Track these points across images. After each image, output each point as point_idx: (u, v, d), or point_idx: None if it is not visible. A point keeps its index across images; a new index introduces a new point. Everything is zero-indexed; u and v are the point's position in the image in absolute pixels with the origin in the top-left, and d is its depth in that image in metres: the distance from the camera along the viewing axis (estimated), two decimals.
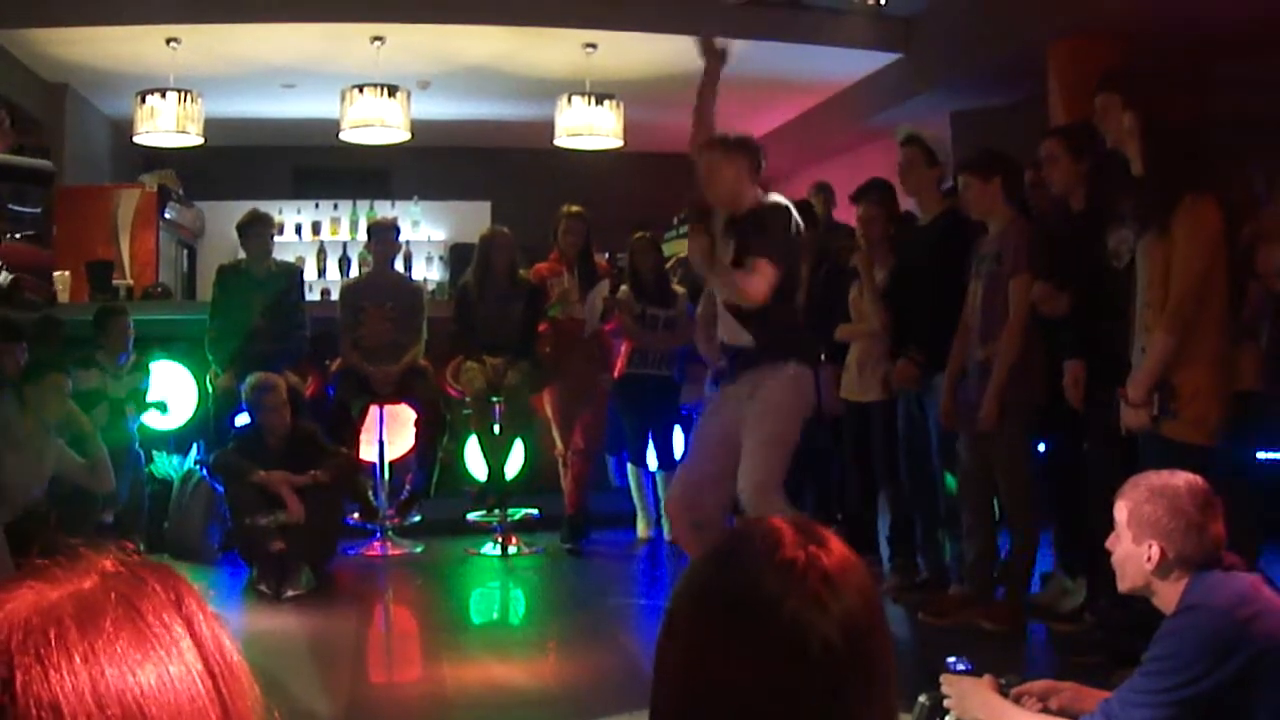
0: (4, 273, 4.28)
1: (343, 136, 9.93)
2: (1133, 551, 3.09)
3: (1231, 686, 2.89)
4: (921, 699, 3.07)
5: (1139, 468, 3.33)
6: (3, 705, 0.78)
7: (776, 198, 5.32)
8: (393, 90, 9.72)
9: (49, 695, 0.78)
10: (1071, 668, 4.50)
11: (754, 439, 5.15)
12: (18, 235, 4.71)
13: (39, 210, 5.30)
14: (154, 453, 7.84)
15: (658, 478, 8.26)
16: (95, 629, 0.82)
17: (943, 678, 3.13)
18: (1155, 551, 3.04)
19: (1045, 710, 3.14)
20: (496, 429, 7.95)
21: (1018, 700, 3.14)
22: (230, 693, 0.86)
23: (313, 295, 11.22)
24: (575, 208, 8.30)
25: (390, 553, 7.86)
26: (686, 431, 8.49)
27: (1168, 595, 3.07)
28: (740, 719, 1.23)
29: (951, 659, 3.18)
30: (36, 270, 4.74)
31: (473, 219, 11.76)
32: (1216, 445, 4.54)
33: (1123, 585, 3.21)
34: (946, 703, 3.08)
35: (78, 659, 0.80)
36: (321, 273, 12.51)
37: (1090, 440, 5.52)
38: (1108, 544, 3.20)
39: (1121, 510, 3.14)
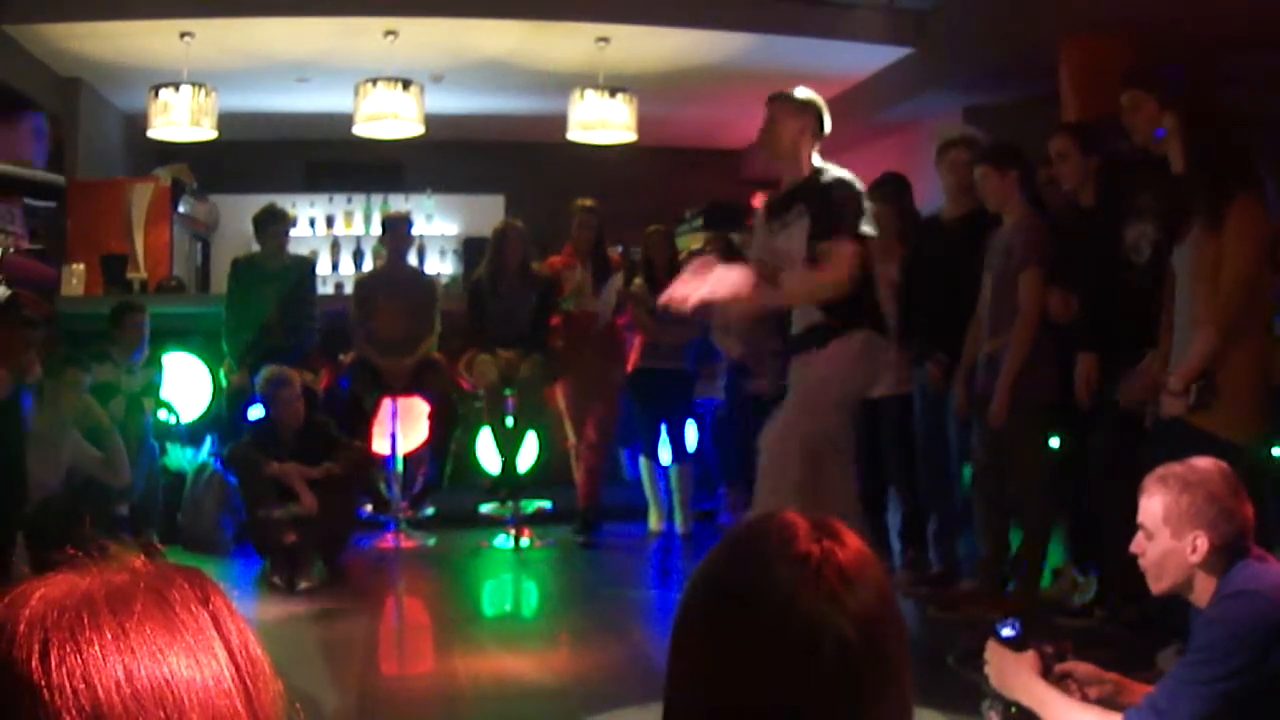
0: (2, 287, 4.27)
1: (356, 130, 9.95)
2: (1174, 548, 3.02)
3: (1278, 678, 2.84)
4: (962, 646, 3.07)
5: (1155, 460, 3.29)
6: (38, 678, 0.81)
7: (841, 172, 5.24)
8: (406, 84, 9.73)
9: (82, 669, 0.81)
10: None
11: (785, 413, 5.21)
12: (25, 248, 4.72)
13: (53, 204, 5.32)
14: (168, 445, 7.87)
15: (671, 471, 8.27)
16: (126, 613, 0.85)
17: (988, 644, 3.11)
18: (1202, 542, 2.98)
19: (1084, 699, 3.06)
20: (509, 422, 7.97)
21: (1061, 679, 3.07)
22: (254, 685, 0.88)
23: (326, 289, 11.27)
24: (588, 201, 8.32)
25: (403, 545, 7.88)
26: (699, 425, 8.51)
27: (1206, 588, 3.02)
28: (755, 714, 1.24)
29: (1000, 624, 3.16)
30: (39, 286, 4.73)
31: (486, 212, 11.76)
32: (1245, 442, 4.54)
33: (1160, 586, 3.12)
34: (986, 669, 3.07)
35: (109, 636, 0.83)
36: (335, 266, 12.53)
37: (1098, 435, 5.52)
38: (1134, 548, 3.13)
39: (1153, 509, 3.06)
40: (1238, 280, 4.56)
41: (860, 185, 5.25)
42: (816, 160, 5.27)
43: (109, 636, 0.83)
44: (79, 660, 0.81)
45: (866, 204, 5.25)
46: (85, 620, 0.83)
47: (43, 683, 0.80)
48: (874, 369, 5.45)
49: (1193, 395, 4.57)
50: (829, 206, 5.10)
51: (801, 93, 5.34)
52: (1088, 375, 5.50)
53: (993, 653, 3.09)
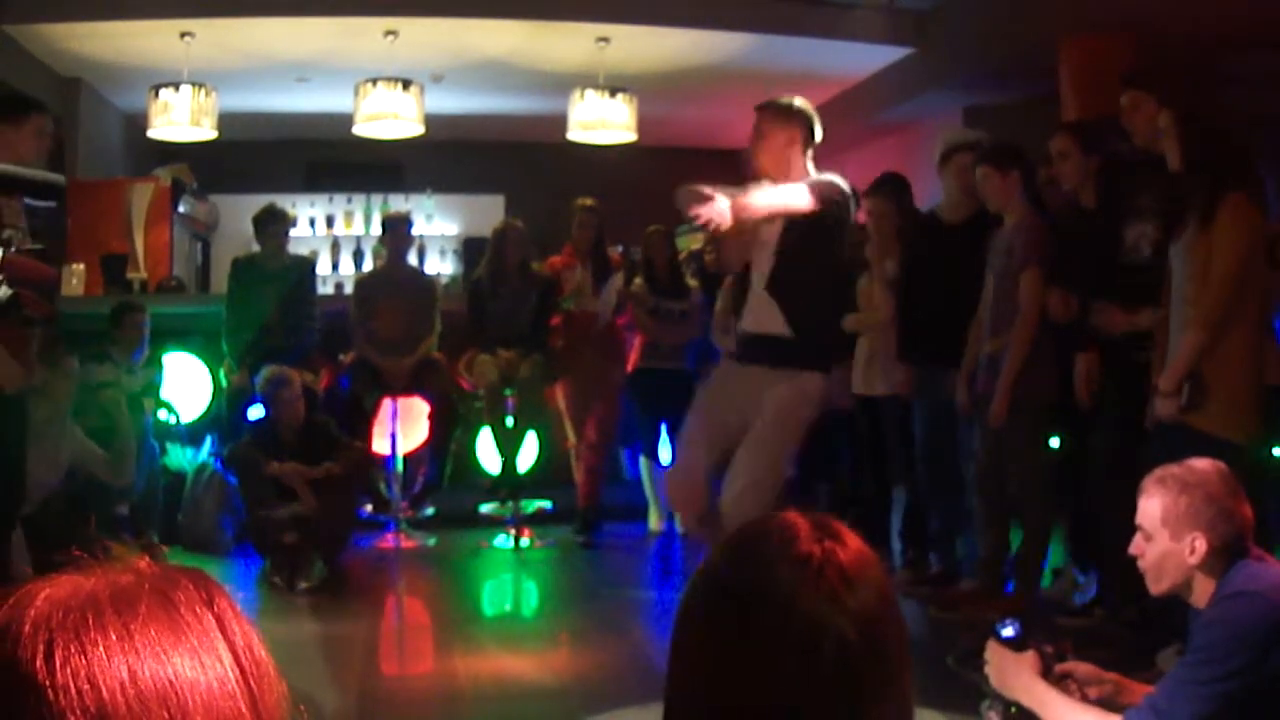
0: (4, 287, 4.26)
1: (356, 130, 9.95)
2: (1173, 549, 3.02)
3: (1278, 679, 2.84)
4: (962, 646, 3.07)
5: (1154, 461, 3.29)
6: (43, 678, 0.81)
7: (833, 177, 5.07)
8: (406, 84, 9.74)
9: (86, 669, 0.82)
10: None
11: (760, 447, 5.03)
12: (27, 247, 4.73)
13: (54, 204, 5.34)
14: (168, 445, 7.87)
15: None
16: (131, 614, 0.85)
17: (988, 644, 3.11)
18: (1201, 544, 2.98)
19: (1084, 700, 3.06)
20: (509, 422, 7.98)
21: (1061, 679, 3.07)
22: (258, 686, 0.89)
23: (326, 289, 11.28)
24: (589, 201, 8.32)
25: (403, 545, 7.88)
26: None
27: (1205, 589, 3.02)
28: (755, 714, 1.24)
29: (1000, 623, 3.16)
30: (40, 286, 4.75)
31: (486, 212, 11.77)
32: (1243, 441, 4.54)
33: (1159, 587, 3.12)
34: (986, 668, 3.07)
35: (114, 637, 0.84)
36: (335, 266, 12.54)
37: (1098, 435, 5.52)
38: (1133, 549, 3.13)
39: (1151, 510, 3.06)
40: (1223, 278, 4.55)
41: (847, 189, 5.10)
42: (810, 169, 5.14)
43: (114, 637, 0.83)
44: (84, 661, 0.82)
45: (851, 209, 5.18)
46: (90, 621, 0.83)
47: (47, 683, 0.80)
48: (818, 405, 5.28)
49: (1184, 395, 4.58)
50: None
51: (789, 100, 5.21)
52: (1087, 374, 5.51)
53: (993, 653, 3.08)
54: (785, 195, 4.87)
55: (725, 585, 1.31)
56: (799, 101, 5.23)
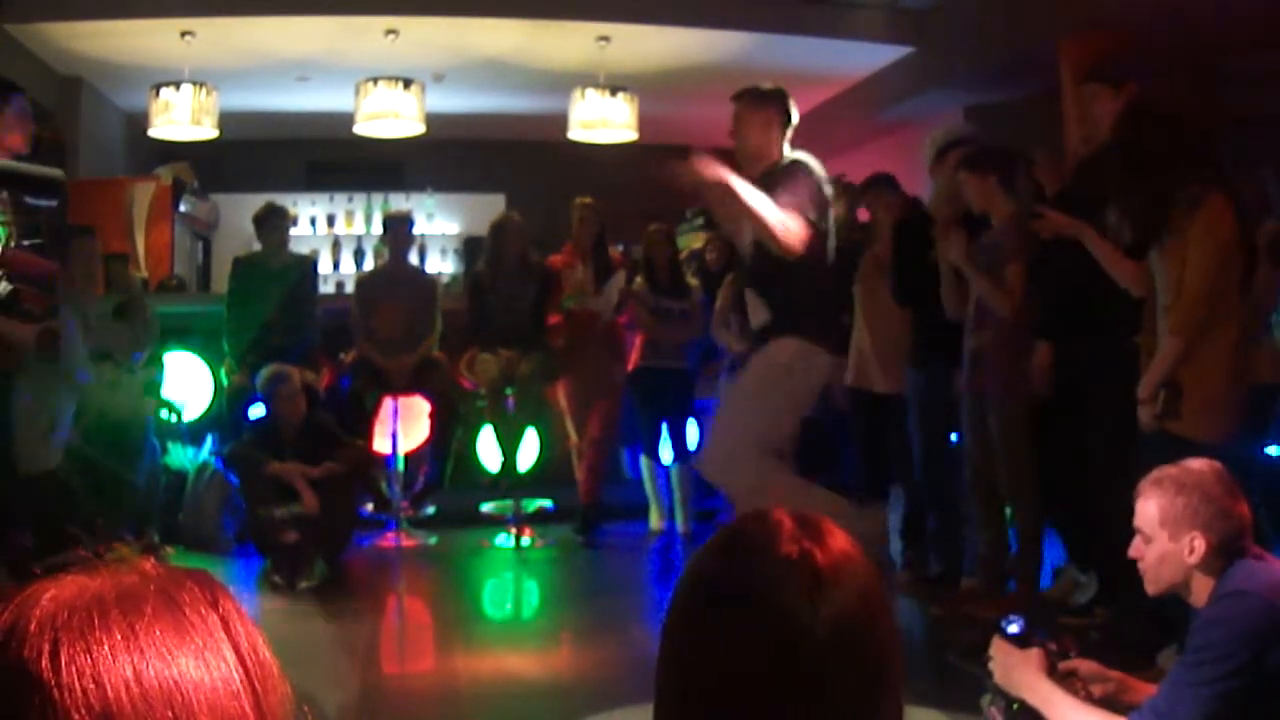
0: (4, 283, 4.25)
1: (357, 129, 9.96)
2: (1171, 550, 3.02)
3: (1277, 678, 2.83)
4: (963, 643, 3.08)
5: (1143, 467, 3.29)
6: (48, 677, 0.81)
7: (804, 155, 5.21)
8: (407, 83, 9.74)
9: (91, 668, 0.82)
10: None
11: (732, 405, 5.16)
12: (25, 243, 4.72)
13: (54, 203, 5.32)
14: (169, 444, 7.87)
15: (672, 470, 8.28)
16: (136, 614, 0.85)
17: (993, 640, 3.11)
18: (1199, 544, 2.98)
19: (1088, 698, 3.05)
20: (510, 420, 7.98)
21: (1065, 677, 3.06)
22: (263, 687, 0.89)
23: (327, 288, 11.29)
24: (589, 200, 8.33)
25: (404, 544, 7.89)
26: (700, 424, 8.52)
27: (1204, 588, 3.02)
28: (731, 710, 1.24)
29: (1005, 619, 3.16)
30: (40, 281, 4.74)
31: (487, 211, 11.70)
32: (1225, 443, 4.53)
33: (1156, 588, 3.12)
34: (990, 664, 3.08)
35: (119, 637, 0.84)
36: (336, 265, 12.55)
37: (1096, 434, 5.51)
38: (1132, 552, 3.13)
39: (1149, 512, 3.06)
40: (1198, 287, 4.52)
41: (821, 171, 5.21)
42: (786, 150, 5.25)
43: (119, 637, 0.84)
44: (89, 660, 0.82)
45: (827, 191, 5.24)
46: (95, 621, 0.84)
47: (52, 682, 0.81)
48: (808, 374, 5.32)
49: (1159, 404, 4.57)
50: (784, 180, 5.06)
51: (763, 85, 5.32)
52: (1041, 365, 5.55)
53: (998, 649, 3.08)
54: (771, 214, 4.93)
55: (705, 582, 1.31)
56: (774, 87, 5.34)
